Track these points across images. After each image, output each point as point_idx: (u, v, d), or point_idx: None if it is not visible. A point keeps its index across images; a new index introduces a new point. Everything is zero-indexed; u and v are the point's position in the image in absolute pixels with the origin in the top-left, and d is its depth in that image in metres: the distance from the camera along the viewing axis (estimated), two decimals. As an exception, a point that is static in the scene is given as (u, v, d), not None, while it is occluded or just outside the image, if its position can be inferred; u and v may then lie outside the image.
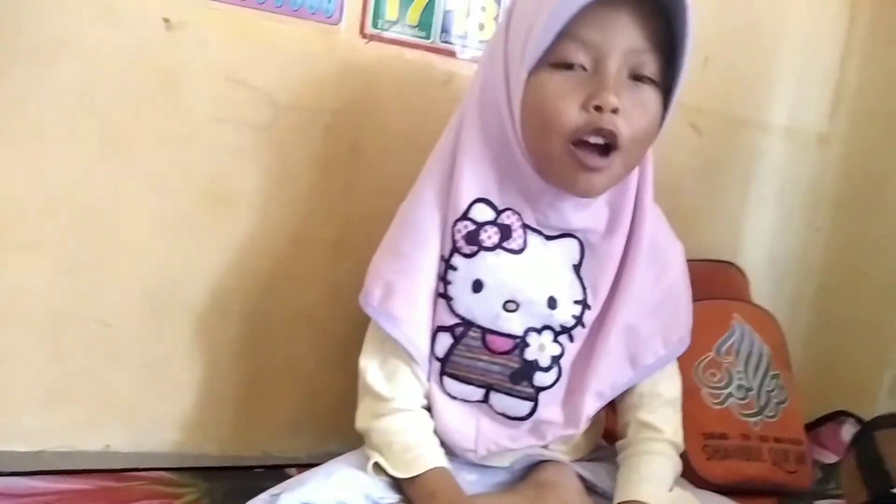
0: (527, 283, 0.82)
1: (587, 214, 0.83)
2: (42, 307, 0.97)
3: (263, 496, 0.77)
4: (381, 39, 1.07)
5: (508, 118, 0.79)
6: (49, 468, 0.98)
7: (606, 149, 0.75)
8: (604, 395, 0.87)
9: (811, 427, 1.38)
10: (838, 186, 1.43)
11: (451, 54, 1.11)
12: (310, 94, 1.04)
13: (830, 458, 1.26)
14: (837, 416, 1.39)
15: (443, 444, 0.86)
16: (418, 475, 0.80)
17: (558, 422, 0.86)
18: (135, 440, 1.04)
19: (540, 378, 0.84)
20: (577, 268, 0.84)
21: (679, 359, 1.13)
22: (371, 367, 0.86)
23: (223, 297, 1.05)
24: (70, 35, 0.93)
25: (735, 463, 1.11)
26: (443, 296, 0.83)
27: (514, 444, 0.86)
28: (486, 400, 0.85)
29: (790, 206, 1.42)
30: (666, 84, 0.78)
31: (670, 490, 0.85)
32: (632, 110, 0.75)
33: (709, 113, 1.30)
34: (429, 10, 1.09)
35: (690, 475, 1.01)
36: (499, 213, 0.82)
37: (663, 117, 0.79)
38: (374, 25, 1.07)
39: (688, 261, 1.26)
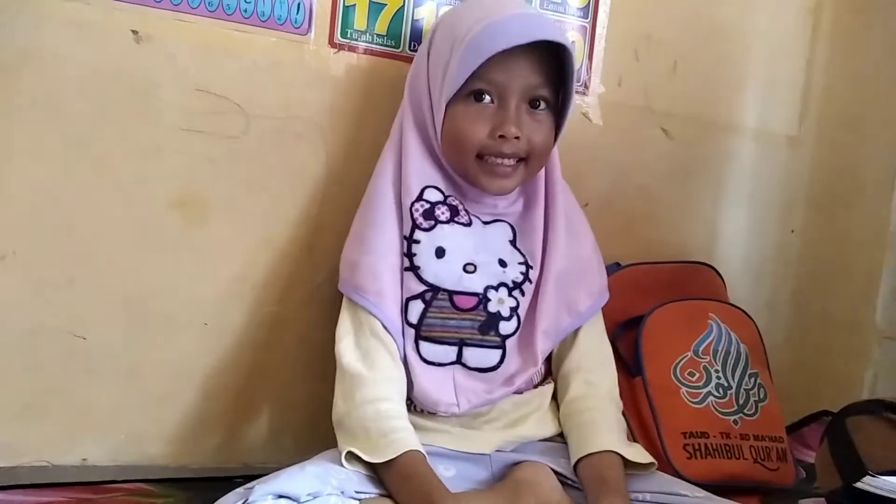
0: (479, 248, 0.98)
1: (506, 202, 1.01)
2: (16, 321, 0.97)
3: (238, 490, 0.78)
4: (350, 49, 1.09)
5: (434, 137, 0.97)
6: (26, 482, 0.97)
7: (514, 162, 0.95)
8: (549, 335, 0.99)
9: (794, 428, 1.38)
10: (810, 187, 1.45)
11: (421, 63, 1.12)
12: (280, 103, 1.06)
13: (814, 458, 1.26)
14: (820, 417, 1.40)
15: (424, 409, 0.95)
16: (393, 459, 0.84)
17: (521, 366, 0.97)
18: (112, 453, 1.03)
19: (504, 327, 0.97)
20: (513, 242, 1.00)
21: (658, 359, 1.15)
22: (346, 347, 0.93)
23: (198, 308, 1.05)
24: (38, 48, 0.94)
25: (716, 461, 1.11)
26: (409, 269, 0.95)
27: (490, 395, 0.96)
28: (459, 359, 0.96)
29: (764, 208, 1.43)
30: (557, 102, 0.97)
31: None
32: (530, 133, 0.94)
33: (678, 117, 1.32)
34: (397, 19, 1.11)
35: (672, 475, 1.01)
36: (445, 196, 0.98)
37: (558, 130, 0.98)
38: (343, 35, 1.08)
39: (664, 262, 1.30)
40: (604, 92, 1.25)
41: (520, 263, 0.99)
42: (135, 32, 0.97)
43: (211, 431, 1.08)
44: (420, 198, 0.96)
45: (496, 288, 0.97)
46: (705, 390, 1.15)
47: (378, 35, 1.10)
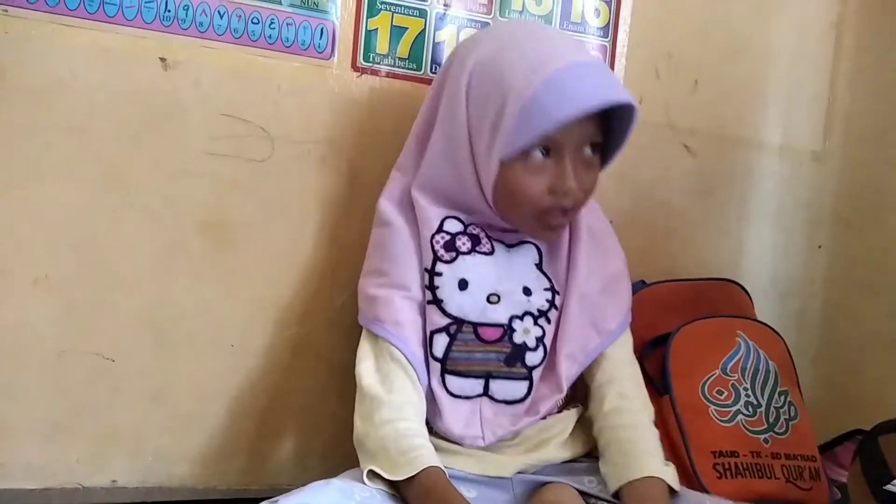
0: (502, 276, 0.96)
1: None
2: (45, 343, 0.99)
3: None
4: (372, 72, 1.10)
5: (475, 187, 0.92)
6: (58, 504, 0.98)
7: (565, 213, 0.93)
8: (575, 358, 0.97)
9: (827, 447, 1.35)
10: (837, 203, 1.44)
11: (442, 85, 1.14)
12: (305, 126, 1.07)
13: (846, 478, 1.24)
14: (853, 436, 1.37)
15: (449, 438, 0.94)
16: (413, 476, 0.84)
17: (546, 393, 0.96)
18: (141, 475, 1.04)
19: (530, 358, 0.95)
20: (539, 265, 0.98)
21: (686, 377, 1.14)
22: (366, 370, 0.93)
23: (223, 329, 1.06)
24: (70, 76, 0.96)
25: (747, 481, 1.09)
26: (432, 302, 0.94)
27: (514, 426, 0.95)
28: (486, 391, 0.95)
29: (790, 224, 1.42)
30: (604, 142, 0.93)
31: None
32: (584, 181, 0.91)
33: (701, 134, 1.31)
34: (418, 43, 1.13)
35: (702, 495, 0.99)
36: (465, 226, 0.96)
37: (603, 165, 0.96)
38: (366, 59, 1.10)
39: (690, 280, 1.29)
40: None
41: (545, 289, 0.97)
42: (162, 59, 1.00)
43: (237, 453, 1.09)
44: (440, 229, 0.95)
45: (521, 317, 0.95)
46: (734, 408, 1.13)
47: (400, 58, 1.12)
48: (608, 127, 0.92)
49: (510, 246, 0.98)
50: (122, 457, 1.03)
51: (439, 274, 0.94)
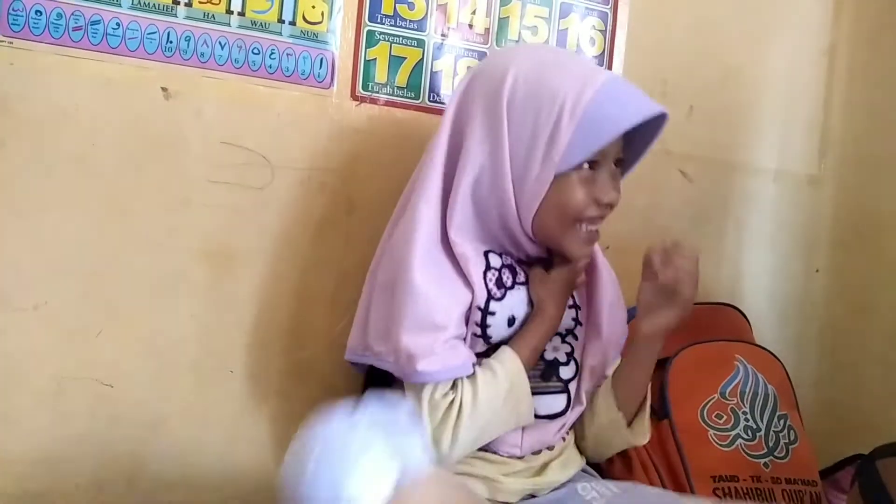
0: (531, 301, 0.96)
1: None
2: (44, 370, 0.99)
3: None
4: (371, 101, 1.12)
5: (512, 204, 0.90)
6: (55, 532, 0.98)
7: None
8: (595, 372, 1.01)
9: (829, 472, 1.35)
10: (834, 227, 1.44)
11: (440, 113, 1.15)
12: (304, 155, 1.09)
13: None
14: (855, 460, 1.36)
15: (489, 448, 0.95)
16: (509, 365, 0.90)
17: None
18: (140, 502, 1.04)
19: (564, 372, 0.97)
20: None
21: (684, 402, 1.15)
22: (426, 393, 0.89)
23: (223, 356, 1.07)
24: (72, 106, 0.98)
25: (748, 506, 1.09)
26: (480, 336, 0.93)
27: (552, 438, 0.98)
28: None
29: (787, 248, 1.43)
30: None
31: None
32: (618, 195, 0.94)
33: (697, 159, 1.33)
34: (417, 72, 1.14)
35: (703, 520, 0.99)
36: (501, 256, 0.95)
37: None
38: (365, 88, 1.12)
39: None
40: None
41: (570, 307, 0.98)
42: (164, 89, 1.01)
43: (237, 479, 1.08)
44: (488, 266, 0.92)
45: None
46: (734, 433, 1.13)
47: (398, 87, 1.13)
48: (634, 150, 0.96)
49: (530, 265, 0.98)
50: (121, 484, 1.03)
51: (492, 313, 0.92)
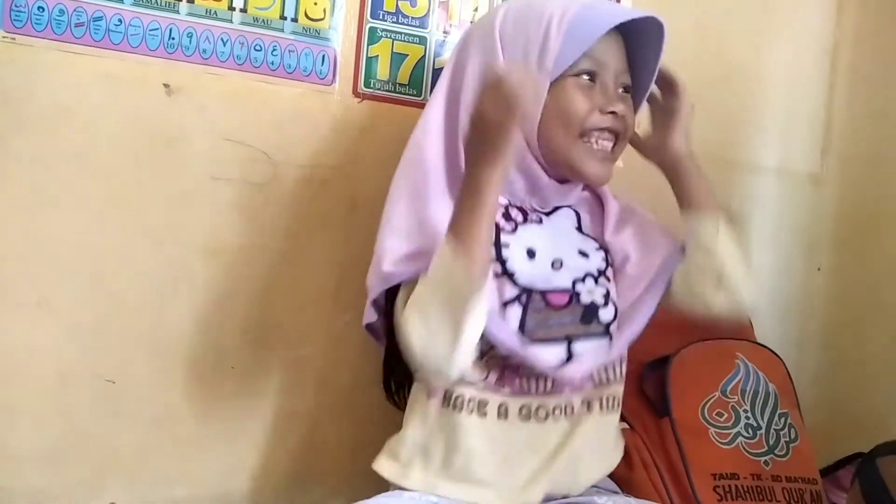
0: (557, 243, 0.96)
1: (575, 192, 1.00)
2: (46, 366, 1.00)
3: None
4: (373, 98, 1.12)
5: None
6: (56, 527, 0.98)
7: (613, 142, 0.95)
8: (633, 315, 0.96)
9: (829, 470, 1.35)
10: (835, 225, 1.44)
11: (442, 110, 1.15)
12: (306, 151, 1.09)
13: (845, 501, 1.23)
14: (855, 459, 1.36)
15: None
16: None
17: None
18: (140, 497, 1.04)
19: (603, 315, 0.94)
20: (578, 229, 1.00)
21: (685, 400, 1.15)
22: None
23: (225, 352, 1.07)
24: (75, 102, 0.98)
25: (748, 503, 1.09)
26: (503, 273, 0.92)
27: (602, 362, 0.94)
28: (569, 357, 0.92)
29: (788, 247, 1.43)
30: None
31: None
32: (626, 113, 0.95)
33: (698, 158, 1.32)
34: (418, 69, 1.14)
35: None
36: (509, 200, 0.96)
37: None
38: (367, 85, 1.12)
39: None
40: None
41: (597, 249, 0.98)
42: (166, 86, 1.01)
43: (237, 475, 1.09)
44: None
45: (583, 280, 0.95)
46: (734, 431, 1.13)
47: (400, 84, 1.13)
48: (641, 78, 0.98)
49: (548, 214, 0.98)
50: (122, 479, 1.04)
51: (506, 245, 0.93)
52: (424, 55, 1.14)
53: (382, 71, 1.12)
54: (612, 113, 0.93)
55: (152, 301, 1.03)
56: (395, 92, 1.13)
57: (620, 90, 0.96)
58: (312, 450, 1.12)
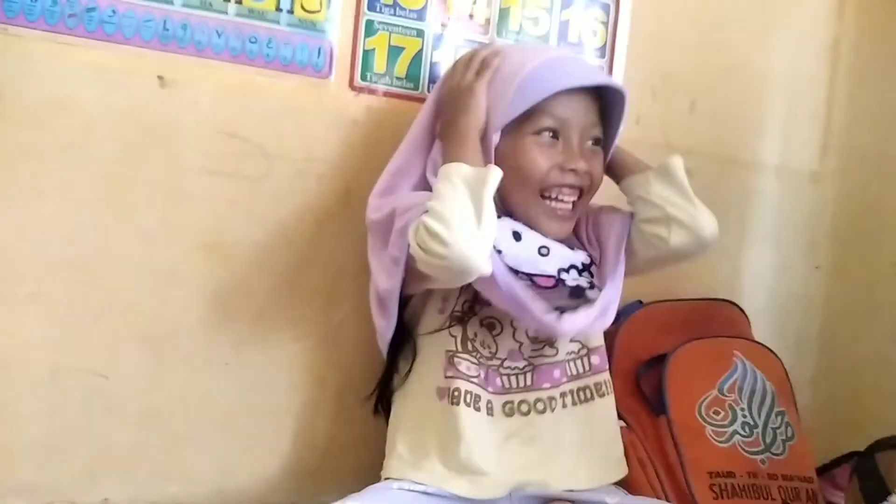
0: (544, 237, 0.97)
1: None
2: (39, 361, 0.99)
3: None
4: (370, 91, 1.11)
5: None
6: (48, 522, 0.98)
7: (577, 197, 0.98)
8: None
9: (825, 469, 1.34)
10: (835, 223, 1.44)
11: (439, 104, 1.14)
12: (302, 145, 1.08)
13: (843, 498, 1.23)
14: (851, 458, 1.36)
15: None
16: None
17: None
18: (133, 493, 1.03)
19: (590, 294, 0.96)
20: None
21: (682, 398, 1.15)
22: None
23: (219, 348, 1.06)
24: (68, 94, 0.97)
25: (744, 502, 1.09)
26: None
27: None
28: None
29: (788, 245, 1.42)
30: (604, 142, 1.01)
31: None
32: (591, 167, 0.97)
33: (698, 154, 1.31)
34: (416, 62, 1.13)
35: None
36: None
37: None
38: (363, 78, 1.11)
39: (687, 300, 1.29)
40: (622, 130, 1.25)
41: (580, 248, 1.00)
42: (160, 78, 1.00)
43: (231, 471, 1.08)
44: None
45: (567, 270, 0.96)
46: (731, 429, 1.13)
47: (397, 78, 1.12)
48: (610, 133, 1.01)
49: None
50: (115, 475, 1.03)
51: None
52: (422, 48, 1.13)
53: (379, 64, 1.11)
54: (573, 171, 0.95)
55: (145, 296, 1.02)
56: (391, 85, 1.12)
57: (590, 143, 0.98)
58: (306, 446, 1.11)
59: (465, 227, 0.82)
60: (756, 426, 1.14)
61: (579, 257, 0.98)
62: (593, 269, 0.99)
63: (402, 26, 1.12)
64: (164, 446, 1.04)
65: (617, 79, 1.24)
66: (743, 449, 1.12)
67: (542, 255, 0.95)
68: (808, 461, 1.16)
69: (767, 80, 1.38)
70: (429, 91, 1.13)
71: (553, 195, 0.96)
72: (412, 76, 1.13)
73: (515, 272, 0.92)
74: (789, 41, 1.39)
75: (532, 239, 0.95)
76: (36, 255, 0.98)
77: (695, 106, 1.31)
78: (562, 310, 0.93)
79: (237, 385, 1.07)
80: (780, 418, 1.16)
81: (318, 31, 1.08)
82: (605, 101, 0.99)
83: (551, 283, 0.95)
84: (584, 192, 0.98)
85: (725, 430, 1.12)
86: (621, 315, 1.11)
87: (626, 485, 1.04)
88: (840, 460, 1.36)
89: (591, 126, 0.97)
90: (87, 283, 1.00)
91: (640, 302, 1.24)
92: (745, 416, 1.14)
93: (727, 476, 1.09)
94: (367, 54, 1.10)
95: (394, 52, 1.12)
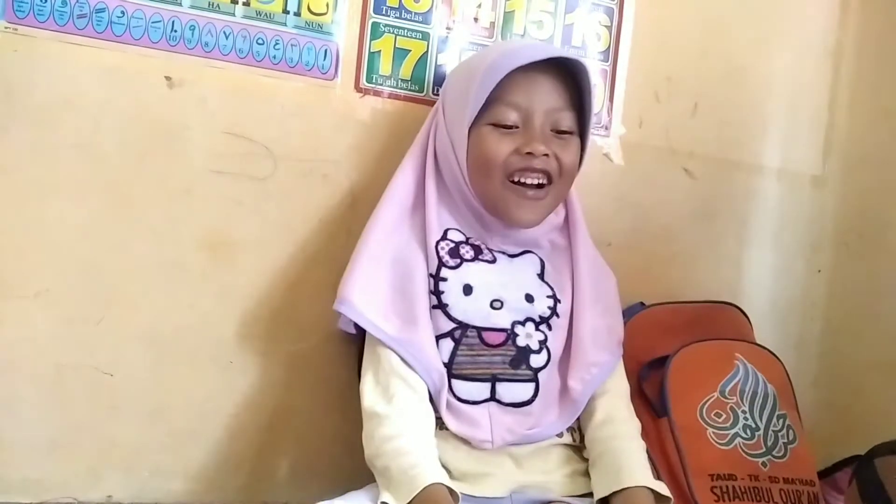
0: (505, 283, 0.99)
1: (533, 237, 1.02)
2: (45, 358, 1.00)
3: None
4: (375, 93, 1.12)
5: (457, 168, 0.98)
6: (52, 519, 0.98)
7: (540, 186, 0.97)
8: (590, 373, 1.00)
9: (827, 472, 1.34)
10: (836, 227, 1.44)
11: (444, 106, 1.15)
12: (307, 146, 1.08)
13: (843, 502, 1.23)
14: (853, 461, 1.36)
15: (462, 439, 0.95)
16: (416, 495, 0.84)
17: (556, 401, 0.99)
18: (137, 490, 1.04)
19: (535, 360, 0.98)
20: (541, 276, 1.02)
21: (684, 400, 1.14)
22: (367, 386, 0.94)
23: (224, 347, 1.07)
24: (76, 93, 0.98)
25: (745, 504, 1.09)
26: (437, 307, 0.96)
27: (525, 428, 0.96)
28: (493, 396, 0.96)
29: (789, 248, 1.42)
30: (581, 132, 1.00)
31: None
32: (558, 151, 0.97)
33: (700, 157, 1.32)
34: (421, 65, 1.14)
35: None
36: (467, 238, 1.01)
37: (581, 158, 1.01)
38: (369, 80, 1.11)
39: (689, 302, 1.29)
40: (625, 133, 1.26)
41: (548, 297, 1.01)
42: (168, 78, 1.01)
43: (234, 469, 1.09)
44: (444, 237, 0.99)
45: (523, 323, 0.98)
46: (732, 431, 1.13)
47: (402, 80, 1.13)
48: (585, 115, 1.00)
49: (512, 256, 1.02)
50: (119, 472, 1.04)
51: (444, 279, 0.97)
52: (427, 51, 1.14)
53: (385, 66, 1.12)
54: (531, 154, 0.94)
55: (151, 294, 1.03)
56: (397, 87, 1.13)
57: (556, 129, 0.97)
58: (308, 445, 1.12)
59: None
60: (757, 429, 1.14)
61: (539, 308, 0.99)
62: (553, 321, 1.00)
63: (408, 29, 1.13)
64: (168, 444, 1.05)
65: (617, 79, 1.25)
66: (744, 451, 1.12)
67: (495, 308, 0.97)
68: (809, 464, 1.16)
69: (770, 84, 1.38)
70: (434, 94, 1.14)
71: (517, 179, 0.96)
72: (417, 78, 1.14)
73: (465, 326, 0.95)
74: (791, 45, 1.39)
75: (485, 293, 0.97)
76: (43, 253, 0.98)
77: (697, 109, 1.32)
78: (496, 379, 0.95)
79: (242, 383, 1.08)
80: (781, 421, 1.16)
81: (324, 34, 1.09)
82: (582, 90, 0.98)
83: (501, 338, 0.97)
84: (552, 178, 0.97)
85: (727, 432, 1.12)
86: (624, 317, 1.12)
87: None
88: (841, 464, 1.36)
89: (555, 111, 0.97)
90: (93, 281, 1.01)
91: (643, 304, 1.24)
92: (746, 419, 1.14)
93: (728, 478, 1.09)
94: (373, 56, 1.11)
95: (399, 54, 1.13)
